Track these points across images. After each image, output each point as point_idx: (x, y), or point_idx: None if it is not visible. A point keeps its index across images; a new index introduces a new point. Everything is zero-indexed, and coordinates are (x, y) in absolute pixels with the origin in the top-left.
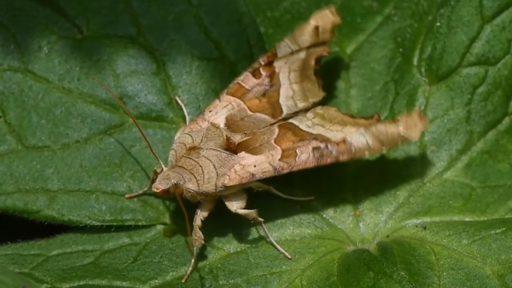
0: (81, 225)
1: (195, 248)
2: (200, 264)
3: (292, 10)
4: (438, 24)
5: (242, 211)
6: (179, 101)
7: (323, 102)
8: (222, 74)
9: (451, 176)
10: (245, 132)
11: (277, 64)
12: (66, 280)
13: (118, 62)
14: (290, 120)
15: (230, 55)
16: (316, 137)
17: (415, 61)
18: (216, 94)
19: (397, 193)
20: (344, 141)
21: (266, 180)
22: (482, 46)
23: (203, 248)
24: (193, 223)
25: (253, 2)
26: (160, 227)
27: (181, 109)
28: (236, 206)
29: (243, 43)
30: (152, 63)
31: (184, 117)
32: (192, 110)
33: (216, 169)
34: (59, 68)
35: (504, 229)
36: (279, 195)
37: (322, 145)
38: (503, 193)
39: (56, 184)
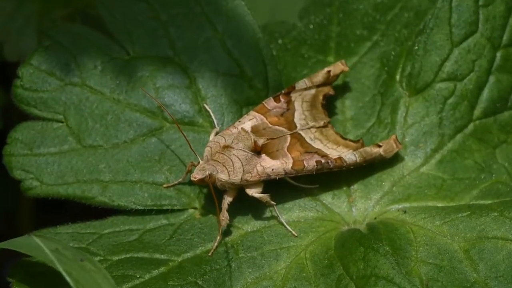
0: (127, 209)
1: (221, 226)
2: (224, 240)
3: (299, 37)
4: (416, 48)
5: (257, 195)
6: (207, 108)
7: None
8: (242, 87)
9: (427, 170)
10: (267, 138)
11: (293, 95)
12: (115, 254)
13: (158, 78)
14: (299, 131)
15: (248, 71)
16: (317, 152)
17: (397, 77)
18: (237, 104)
19: (383, 183)
20: (340, 158)
21: None
22: (452, 66)
23: (226, 228)
24: (221, 206)
25: (268, 31)
26: (191, 211)
27: (209, 115)
28: (253, 191)
29: (259, 62)
30: (185, 79)
31: (211, 122)
32: (217, 116)
33: (243, 166)
34: (110, 82)
35: (469, 213)
36: (291, 182)
37: (323, 160)
38: (468, 184)
39: (107, 176)
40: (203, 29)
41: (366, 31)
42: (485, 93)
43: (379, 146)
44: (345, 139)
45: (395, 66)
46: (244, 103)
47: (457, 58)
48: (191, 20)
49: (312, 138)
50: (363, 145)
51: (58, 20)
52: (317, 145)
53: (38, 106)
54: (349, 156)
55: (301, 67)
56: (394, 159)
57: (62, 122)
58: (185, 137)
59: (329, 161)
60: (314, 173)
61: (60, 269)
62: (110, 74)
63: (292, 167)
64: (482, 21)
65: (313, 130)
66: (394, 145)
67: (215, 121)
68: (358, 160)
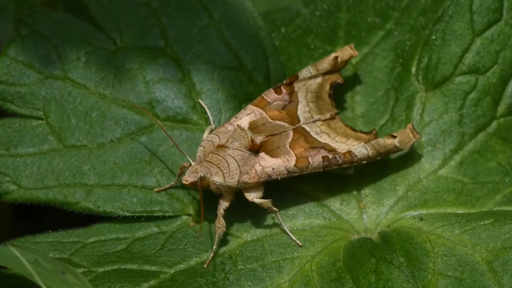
0: (114, 216)
1: (217, 235)
2: (221, 250)
3: (304, 25)
4: (434, 37)
5: (258, 200)
6: (203, 104)
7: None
8: (240, 81)
9: (445, 173)
10: (266, 134)
11: (296, 85)
12: (101, 265)
13: (148, 70)
14: (303, 125)
15: (248, 64)
16: (324, 147)
17: (413, 70)
18: (235, 99)
19: (397, 188)
20: (349, 152)
21: None
22: (473, 57)
23: (223, 236)
24: (217, 212)
25: (270, 19)
26: (185, 218)
27: (205, 112)
28: (253, 196)
29: (260, 54)
30: (178, 71)
31: (206, 120)
32: (214, 113)
33: (239, 167)
34: (95, 75)
35: (492, 220)
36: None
37: (331, 156)
38: (491, 188)
39: (92, 179)
40: (198, 17)
41: (379, 18)
42: (510, 88)
43: (394, 137)
44: (356, 130)
45: (411, 57)
46: (243, 98)
47: (479, 49)
48: (184, 7)
49: (318, 132)
50: (376, 137)
51: (37, 6)
52: (323, 139)
53: (16, 102)
54: (360, 149)
55: (306, 58)
56: (409, 161)
57: (42, 119)
58: (169, 136)
59: (337, 156)
60: (321, 170)
61: (40, 283)
62: (95, 67)
63: (295, 165)
64: (507, 8)
65: (319, 123)
66: (411, 135)
67: (211, 118)
68: (370, 154)
